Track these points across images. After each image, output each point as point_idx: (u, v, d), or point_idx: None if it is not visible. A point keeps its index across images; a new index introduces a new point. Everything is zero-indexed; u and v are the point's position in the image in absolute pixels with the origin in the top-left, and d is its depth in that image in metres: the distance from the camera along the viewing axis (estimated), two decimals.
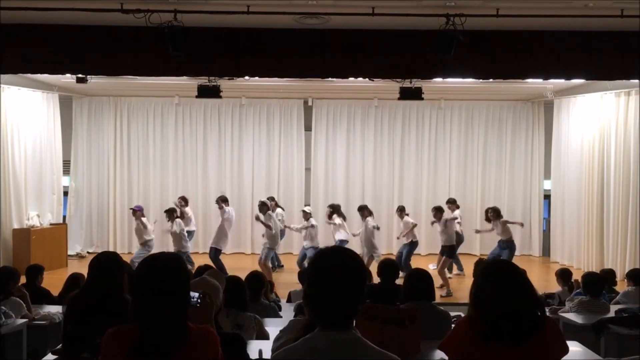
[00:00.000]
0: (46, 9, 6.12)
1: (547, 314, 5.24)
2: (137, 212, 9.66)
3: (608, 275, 6.87)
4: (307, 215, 9.77)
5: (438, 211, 9.45)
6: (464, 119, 12.65)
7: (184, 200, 10.59)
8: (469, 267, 9.28)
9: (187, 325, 2.03)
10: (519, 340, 2.28)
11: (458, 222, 10.00)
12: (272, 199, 10.52)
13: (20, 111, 10.48)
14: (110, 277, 3.47)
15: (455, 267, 10.15)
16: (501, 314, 2.29)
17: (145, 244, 9.53)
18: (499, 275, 2.39)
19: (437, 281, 9.11)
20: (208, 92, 8.97)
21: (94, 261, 3.57)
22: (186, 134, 12.51)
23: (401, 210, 10.12)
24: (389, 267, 5.24)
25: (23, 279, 6.02)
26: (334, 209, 9.92)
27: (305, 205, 10.92)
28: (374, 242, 9.56)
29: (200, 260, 9.38)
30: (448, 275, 9.46)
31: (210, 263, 8.31)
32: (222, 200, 9.97)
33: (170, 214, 9.62)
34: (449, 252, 9.27)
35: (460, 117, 12.64)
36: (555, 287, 7.48)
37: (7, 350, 4.92)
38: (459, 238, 9.93)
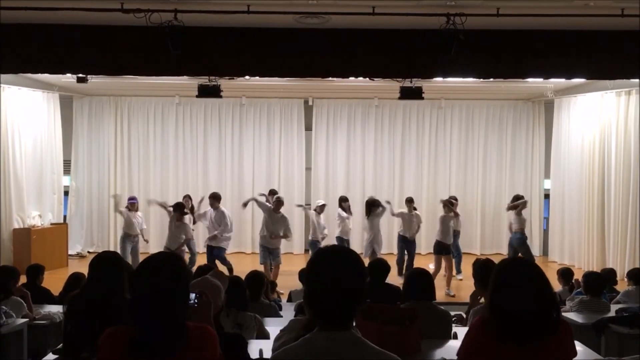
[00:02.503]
0: (46, 8, 6.12)
1: None
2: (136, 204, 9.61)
3: (609, 275, 6.87)
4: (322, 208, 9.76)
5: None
6: (464, 118, 12.65)
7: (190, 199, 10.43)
8: (467, 267, 9.26)
9: (186, 324, 2.03)
10: (536, 340, 2.26)
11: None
12: (273, 192, 10.43)
13: (20, 111, 10.48)
14: (110, 276, 3.48)
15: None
16: (520, 314, 2.27)
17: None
18: (520, 273, 2.37)
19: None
20: (208, 92, 8.97)
21: (95, 261, 3.57)
22: (186, 134, 12.52)
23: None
24: (378, 266, 5.24)
25: (23, 279, 6.02)
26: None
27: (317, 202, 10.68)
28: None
29: (201, 259, 9.38)
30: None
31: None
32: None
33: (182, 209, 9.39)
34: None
35: (461, 116, 12.64)
36: (554, 287, 7.47)
37: (8, 349, 4.93)
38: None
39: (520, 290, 2.30)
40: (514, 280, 2.35)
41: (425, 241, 11.81)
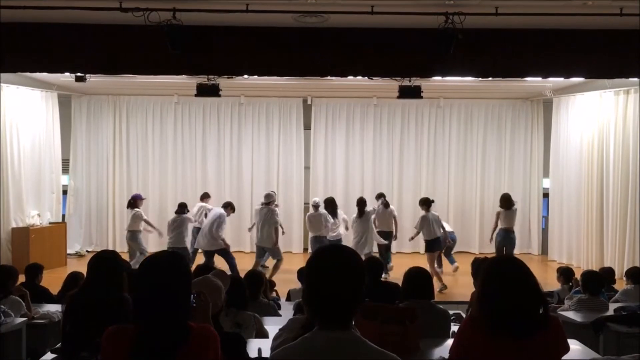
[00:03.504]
0: (45, 7, 6.11)
1: None
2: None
3: (607, 274, 6.87)
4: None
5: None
6: (463, 117, 12.64)
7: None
8: (466, 266, 9.26)
9: (189, 324, 2.03)
10: (525, 333, 2.29)
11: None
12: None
13: (19, 110, 10.46)
14: (109, 275, 3.48)
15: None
16: (508, 309, 2.30)
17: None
18: (506, 270, 2.40)
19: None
20: (207, 91, 8.95)
21: (93, 260, 3.57)
22: (185, 133, 12.50)
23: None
24: (373, 265, 5.23)
25: (22, 278, 6.02)
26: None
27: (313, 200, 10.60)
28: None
29: (200, 259, 9.39)
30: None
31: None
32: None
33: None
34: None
35: (460, 115, 12.63)
36: (553, 285, 7.49)
37: (7, 349, 4.93)
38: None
39: (508, 288, 2.33)
40: (502, 277, 2.37)
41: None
